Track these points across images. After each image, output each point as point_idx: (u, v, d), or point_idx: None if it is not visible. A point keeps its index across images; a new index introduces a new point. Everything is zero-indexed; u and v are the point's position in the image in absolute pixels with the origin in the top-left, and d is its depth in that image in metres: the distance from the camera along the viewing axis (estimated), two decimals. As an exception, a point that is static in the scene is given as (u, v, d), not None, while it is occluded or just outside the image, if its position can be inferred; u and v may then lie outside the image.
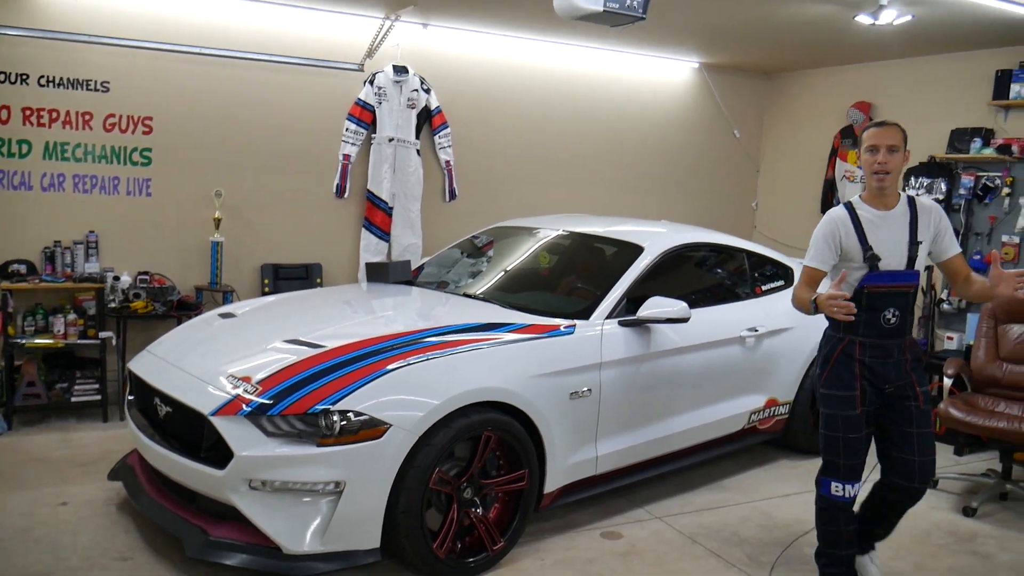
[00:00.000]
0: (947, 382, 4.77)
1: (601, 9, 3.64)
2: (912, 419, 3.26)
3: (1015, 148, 5.90)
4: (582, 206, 7.05)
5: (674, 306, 4.04)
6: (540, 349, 3.75)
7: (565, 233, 4.93)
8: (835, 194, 7.29)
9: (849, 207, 3.28)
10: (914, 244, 3.20)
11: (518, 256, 4.91)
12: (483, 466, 3.50)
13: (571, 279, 4.66)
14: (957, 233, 6.29)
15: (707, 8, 5.23)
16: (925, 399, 3.28)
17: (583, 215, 5.86)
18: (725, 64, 7.61)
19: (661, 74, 7.46)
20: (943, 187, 6.37)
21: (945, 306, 6.38)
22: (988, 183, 6.14)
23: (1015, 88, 5.88)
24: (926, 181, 6.46)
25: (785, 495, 4.62)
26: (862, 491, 3.39)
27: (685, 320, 4.07)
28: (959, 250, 3.32)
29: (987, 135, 6.12)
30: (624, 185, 7.48)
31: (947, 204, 6.33)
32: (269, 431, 3.15)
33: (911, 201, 3.28)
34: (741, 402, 4.76)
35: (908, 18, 4.90)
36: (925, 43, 6.04)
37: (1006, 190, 6.02)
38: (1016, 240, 6.04)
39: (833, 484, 3.28)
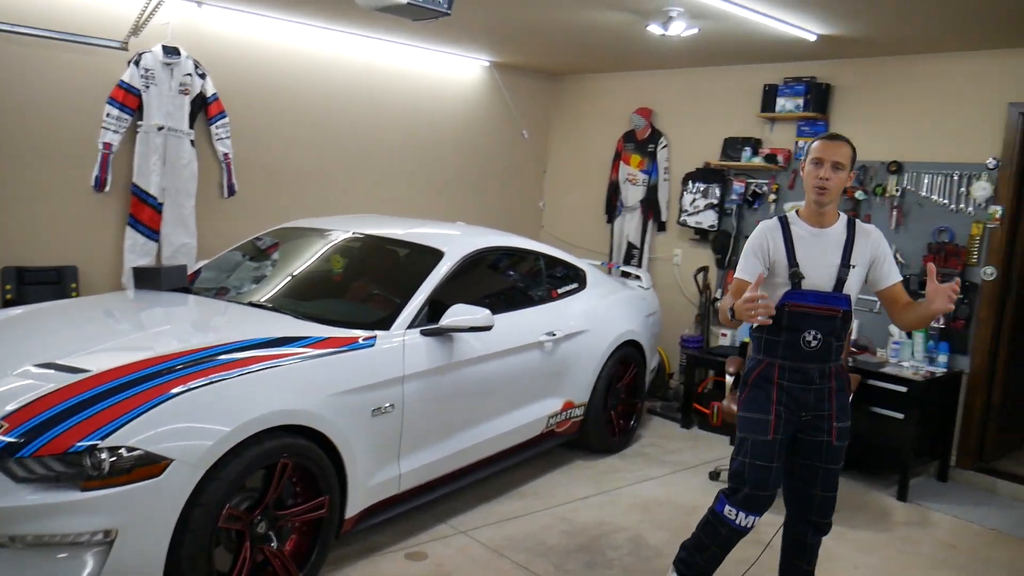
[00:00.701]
0: (729, 379, 5.05)
1: (405, 1, 3.43)
2: (822, 454, 3.13)
3: (780, 157, 6.35)
4: (373, 206, 6.78)
5: (477, 314, 3.94)
6: (339, 365, 3.48)
7: (359, 236, 4.67)
8: (619, 196, 7.52)
9: (783, 220, 3.14)
10: (845, 267, 3.05)
11: (307, 260, 4.59)
12: (279, 496, 3.19)
13: (368, 286, 4.43)
14: (729, 237, 6.69)
15: (501, 7, 5.15)
16: (839, 435, 3.13)
17: (376, 216, 5.62)
18: (514, 64, 7.62)
19: (453, 71, 7.34)
20: (717, 192, 6.75)
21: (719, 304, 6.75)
22: (757, 189, 6.57)
23: (780, 102, 6.31)
24: (702, 186, 6.83)
25: (583, 498, 4.67)
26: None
27: (488, 328, 3.99)
28: (900, 278, 3.16)
29: (756, 144, 6.55)
30: (416, 184, 7.29)
31: (720, 208, 6.71)
32: (19, 476, 2.66)
33: (851, 223, 3.13)
34: (541, 406, 4.76)
35: (695, 31, 5.09)
36: (705, 55, 6.34)
37: (772, 196, 6.46)
38: (780, 243, 6.48)
39: (728, 507, 3.17)
